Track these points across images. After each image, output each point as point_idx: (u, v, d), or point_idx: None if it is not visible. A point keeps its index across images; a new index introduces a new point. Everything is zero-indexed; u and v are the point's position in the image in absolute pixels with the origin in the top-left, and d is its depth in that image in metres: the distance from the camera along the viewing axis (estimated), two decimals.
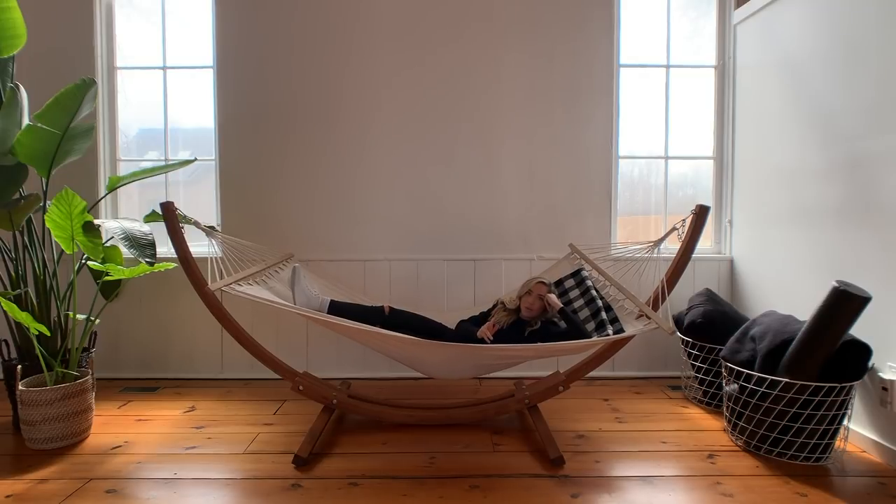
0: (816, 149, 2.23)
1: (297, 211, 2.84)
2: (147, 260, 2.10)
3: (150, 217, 2.49)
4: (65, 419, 1.99)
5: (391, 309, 2.23)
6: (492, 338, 2.12)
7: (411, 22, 2.81)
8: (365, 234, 2.85)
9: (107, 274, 2.14)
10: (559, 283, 2.43)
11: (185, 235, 1.94)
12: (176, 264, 2.11)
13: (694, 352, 2.40)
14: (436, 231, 2.85)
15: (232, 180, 2.84)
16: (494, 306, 2.33)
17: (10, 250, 2.20)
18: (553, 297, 2.17)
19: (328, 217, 2.85)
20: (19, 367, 2.11)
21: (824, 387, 1.78)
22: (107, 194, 2.52)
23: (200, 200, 2.93)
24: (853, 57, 2.04)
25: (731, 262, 2.87)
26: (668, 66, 2.93)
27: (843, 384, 1.79)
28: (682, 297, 2.69)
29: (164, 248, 2.61)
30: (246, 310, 2.67)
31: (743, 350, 2.05)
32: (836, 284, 1.75)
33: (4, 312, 1.95)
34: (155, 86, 2.91)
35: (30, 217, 2.20)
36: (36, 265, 2.19)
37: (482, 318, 2.33)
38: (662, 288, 2.02)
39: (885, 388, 1.85)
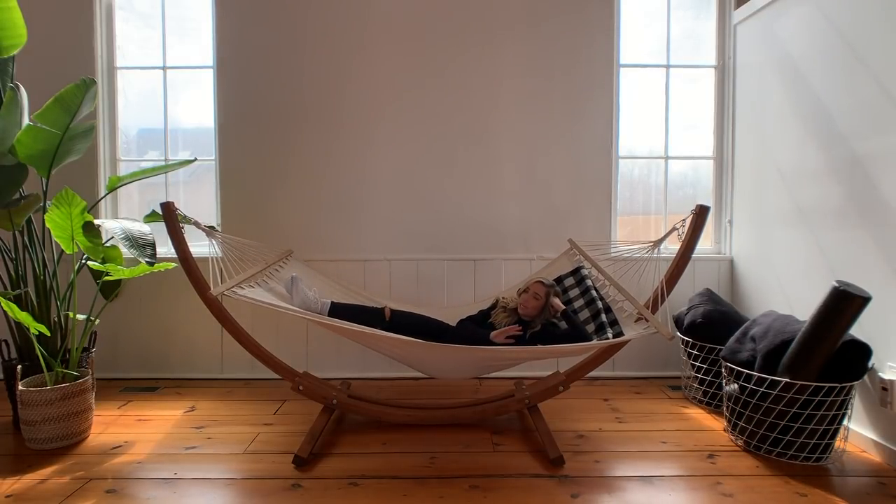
0: (816, 149, 2.23)
1: (297, 211, 2.84)
2: (147, 260, 2.10)
3: (150, 217, 2.49)
4: (65, 419, 1.99)
5: (392, 312, 2.23)
6: (507, 342, 2.10)
7: (411, 21, 2.81)
8: (365, 234, 2.85)
9: (107, 274, 2.14)
10: (559, 280, 2.43)
11: (185, 235, 1.94)
12: (176, 264, 2.11)
13: (694, 352, 2.40)
14: (436, 231, 2.85)
15: (232, 180, 2.84)
16: (494, 305, 2.33)
17: (10, 250, 2.20)
18: (557, 301, 2.17)
19: (328, 217, 2.85)
20: (19, 367, 2.11)
21: (824, 387, 1.78)
22: (107, 194, 2.52)
23: (200, 200, 2.93)
24: (853, 57, 2.04)
25: (731, 262, 2.87)
26: (668, 66, 2.93)
27: (843, 384, 1.79)
28: (683, 296, 2.69)
29: (164, 248, 2.61)
30: (246, 310, 2.67)
31: (743, 350, 2.05)
32: (836, 284, 1.75)
33: (4, 312, 1.95)
34: (155, 86, 2.91)
35: (30, 217, 2.20)
36: (36, 265, 2.18)
37: (482, 316, 2.32)
38: (662, 289, 2.02)
39: (885, 388, 1.85)
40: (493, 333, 2.11)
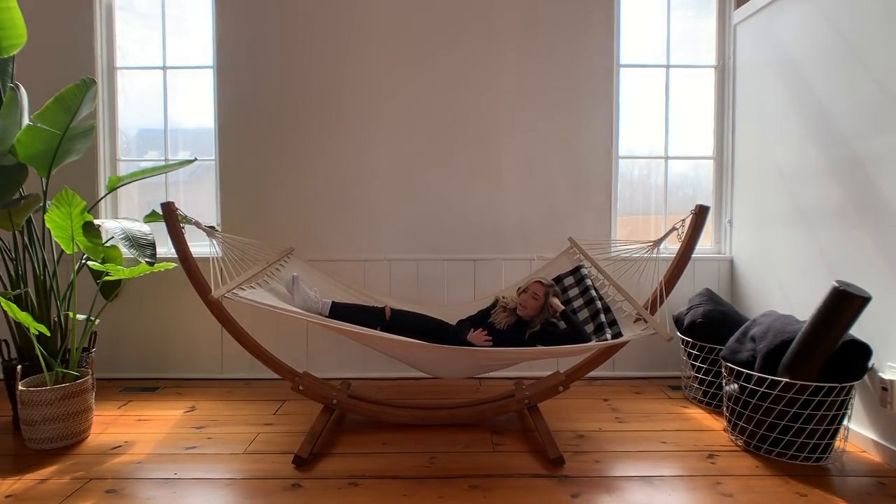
0: (816, 149, 2.23)
1: (297, 211, 2.84)
2: (147, 260, 2.10)
3: (150, 217, 2.49)
4: (65, 419, 1.99)
5: (392, 312, 2.23)
6: (484, 344, 2.12)
7: (411, 21, 2.81)
8: (365, 234, 2.85)
9: (107, 274, 2.14)
10: (559, 280, 2.43)
11: (185, 235, 1.94)
12: (176, 264, 2.11)
13: (694, 352, 2.40)
14: (436, 231, 2.85)
15: (232, 180, 2.84)
16: (493, 305, 2.33)
17: (10, 250, 2.20)
18: (557, 301, 2.17)
19: (328, 217, 2.85)
20: (19, 367, 2.11)
21: (824, 387, 1.78)
22: (107, 194, 2.52)
23: (200, 200, 2.93)
24: (853, 57, 2.04)
25: (731, 262, 2.87)
26: (668, 66, 2.93)
27: (843, 384, 1.79)
28: (683, 296, 2.69)
29: (164, 248, 2.61)
30: (246, 310, 2.65)
31: (743, 350, 2.05)
32: (836, 284, 1.75)
33: (4, 312, 1.95)
34: (155, 86, 2.91)
35: (30, 217, 2.20)
36: (36, 265, 2.18)
37: (481, 316, 2.32)
38: (661, 290, 2.02)
39: (885, 388, 1.85)
40: (469, 336, 2.15)
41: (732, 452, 1.96)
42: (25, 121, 2.11)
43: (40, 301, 2.18)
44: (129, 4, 2.89)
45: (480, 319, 2.31)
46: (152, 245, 2.17)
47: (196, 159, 2.65)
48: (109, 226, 2.16)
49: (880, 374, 1.88)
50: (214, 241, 2.01)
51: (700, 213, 2.01)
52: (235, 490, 1.70)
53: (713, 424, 2.22)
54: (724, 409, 2.11)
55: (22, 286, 2.16)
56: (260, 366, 2.10)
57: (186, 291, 2.41)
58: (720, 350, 2.22)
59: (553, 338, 2.13)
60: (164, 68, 2.90)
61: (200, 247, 2.17)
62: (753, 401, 1.92)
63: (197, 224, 2.01)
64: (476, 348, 1.98)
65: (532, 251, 2.86)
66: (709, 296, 2.55)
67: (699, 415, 2.33)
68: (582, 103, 2.84)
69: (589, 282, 2.33)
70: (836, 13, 2.12)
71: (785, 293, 2.42)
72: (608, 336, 2.05)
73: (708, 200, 2.90)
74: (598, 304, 2.21)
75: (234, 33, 2.81)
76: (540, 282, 2.22)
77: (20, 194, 2.15)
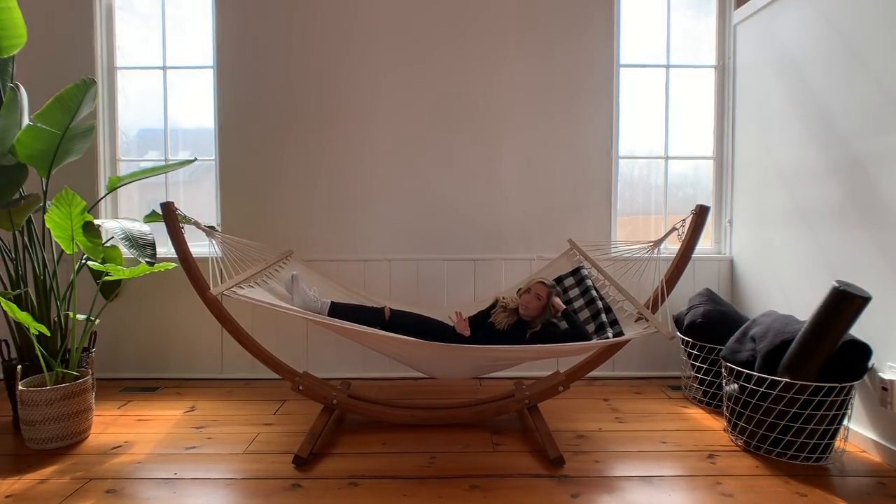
0: (816, 149, 2.23)
1: (297, 211, 2.84)
2: (147, 260, 2.10)
3: (150, 217, 2.49)
4: (65, 419, 1.99)
5: (391, 312, 2.23)
6: (468, 333, 2.14)
7: (411, 22, 2.81)
8: (365, 234, 2.85)
9: (107, 274, 2.14)
10: (559, 280, 2.43)
11: (185, 235, 1.94)
12: (176, 264, 2.11)
13: (694, 352, 2.40)
14: (436, 231, 2.85)
15: (232, 180, 2.84)
16: (494, 305, 2.33)
17: (10, 250, 2.20)
18: (558, 301, 2.17)
19: (328, 217, 2.85)
20: (19, 367, 2.11)
21: (824, 387, 1.78)
22: (107, 194, 2.52)
23: (200, 200, 2.93)
24: (853, 57, 2.04)
25: (731, 262, 2.87)
26: (668, 66, 2.93)
27: (843, 384, 1.79)
28: (683, 296, 2.69)
29: (164, 248, 2.61)
30: (246, 310, 2.67)
31: (743, 350, 2.05)
32: (836, 284, 1.75)
33: (4, 312, 1.95)
34: (155, 86, 2.91)
35: (30, 217, 2.20)
36: (36, 265, 2.18)
37: (481, 316, 2.32)
38: (662, 289, 2.02)
39: (885, 388, 1.85)
40: (457, 327, 2.18)
41: (732, 452, 1.96)
42: (25, 121, 2.11)
43: (40, 301, 2.18)
44: (129, 4, 2.89)
45: (480, 320, 2.31)
46: (152, 245, 2.17)
47: (196, 159, 2.65)
48: (109, 226, 2.16)
49: (880, 374, 1.88)
50: (214, 242, 2.01)
51: (700, 213, 2.01)
52: (235, 490, 1.70)
53: (713, 424, 2.22)
54: (724, 409, 2.11)
55: (22, 286, 2.16)
56: (260, 366, 2.10)
57: (186, 291, 2.40)
58: (720, 350, 2.22)
59: (555, 337, 2.13)
60: (164, 68, 2.89)
61: (200, 247, 2.17)
62: (753, 401, 1.92)
63: (196, 224, 2.01)
64: (478, 346, 1.97)
65: (532, 251, 2.86)
66: (709, 296, 2.55)
67: (699, 415, 2.33)
68: (582, 103, 2.84)
69: (589, 282, 2.33)
70: (836, 13, 2.12)
71: (785, 293, 2.42)
72: (609, 335, 2.05)
73: (708, 200, 2.90)
74: (599, 303, 2.21)
75: (234, 33, 2.81)
76: (542, 282, 2.22)
77: (20, 194, 2.15)
